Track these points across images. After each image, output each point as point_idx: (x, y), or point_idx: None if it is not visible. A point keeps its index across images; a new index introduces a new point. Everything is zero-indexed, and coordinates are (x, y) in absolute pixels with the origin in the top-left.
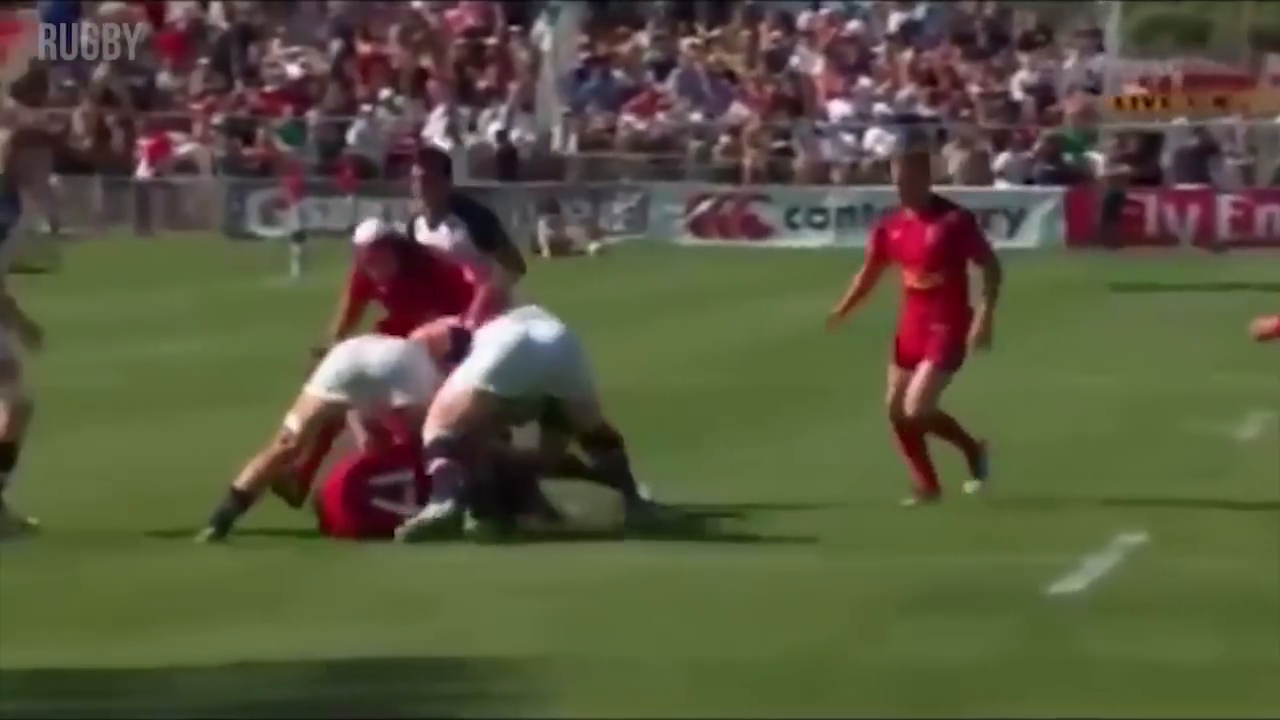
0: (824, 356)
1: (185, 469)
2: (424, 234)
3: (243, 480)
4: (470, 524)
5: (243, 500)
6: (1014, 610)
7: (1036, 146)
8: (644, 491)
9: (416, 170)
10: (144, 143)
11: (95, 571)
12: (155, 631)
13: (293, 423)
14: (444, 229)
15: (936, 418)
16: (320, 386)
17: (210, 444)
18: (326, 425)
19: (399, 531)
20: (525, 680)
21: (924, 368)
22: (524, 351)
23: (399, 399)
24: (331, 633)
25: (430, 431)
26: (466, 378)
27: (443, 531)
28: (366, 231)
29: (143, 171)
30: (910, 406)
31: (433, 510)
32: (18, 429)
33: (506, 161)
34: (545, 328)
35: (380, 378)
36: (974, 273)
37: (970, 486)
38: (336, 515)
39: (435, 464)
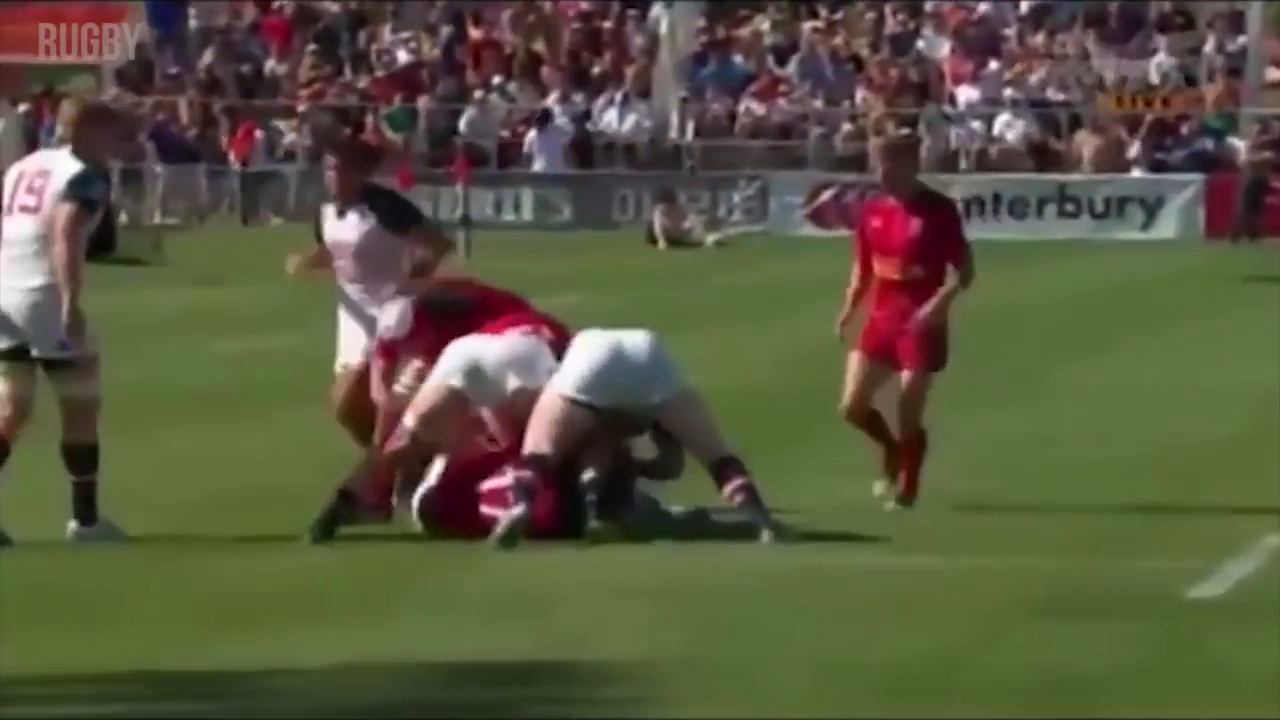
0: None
1: (288, 467)
2: (330, 223)
3: (353, 481)
4: (593, 523)
5: (352, 503)
6: (1148, 615)
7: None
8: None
9: (328, 160)
10: (229, 135)
11: (197, 571)
12: (258, 633)
13: (410, 420)
14: (352, 218)
15: (872, 415)
16: (437, 378)
17: (313, 441)
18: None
19: (492, 539)
20: (642, 683)
21: (908, 376)
22: (614, 360)
23: (514, 382)
24: (440, 634)
25: (530, 444)
26: (558, 387)
27: (515, 536)
28: (397, 321)
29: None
30: (902, 421)
31: (516, 510)
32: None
33: (583, 150)
34: (635, 336)
35: (497, 365)
36: None
37: (880, 488)
38: (444, 522)
39: (522, 475)
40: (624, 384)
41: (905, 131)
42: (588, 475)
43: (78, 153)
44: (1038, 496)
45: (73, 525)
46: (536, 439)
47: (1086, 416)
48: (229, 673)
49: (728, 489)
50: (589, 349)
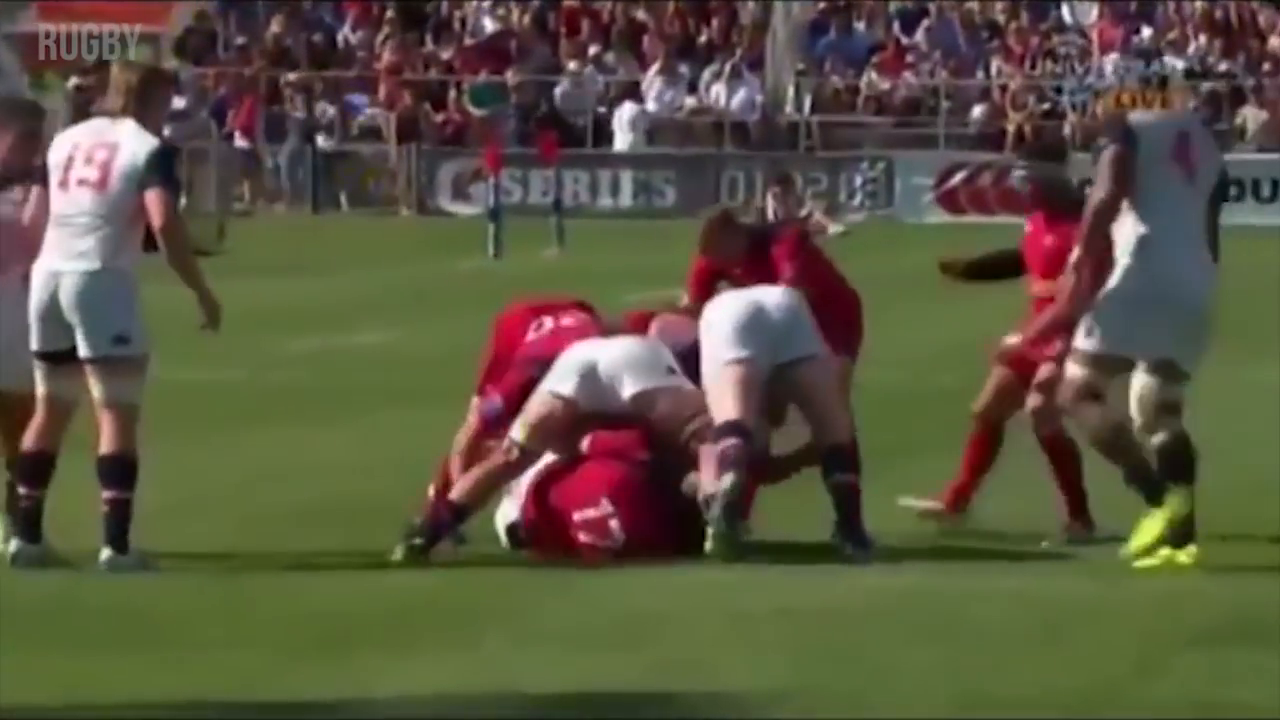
0: None
1: (372, 475)
2: None
3: (459, 492)
4: (713, 542)
5: (459, 515)
6: None
7: None
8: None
9: None
10: (231, 112)
11: (273, 589)
12: (339, 660)
13: (518, 432)
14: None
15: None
16: (548, 386)
17: (399, 448)
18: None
19: (708, 516)
20: (762, 714)
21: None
22: (755, 312)
23: (630, 388)
24: (538, 661)
25: (719, 415)
26: (715, 358)
27: (735, 509)
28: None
29: (322, 140)
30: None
31: (725, 481)
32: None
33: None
34: (772, 291)
35: (611, 370)
36: None
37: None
38: (534, 546)
39: (726, 445)
40: (768, 336)
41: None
42: (726, 481)
43: (145, 123)
44: (1203, 511)
45: (106, 554)
46: (723, 409)
47: (1255, 421)
48: (307, 703)
49: (829, 481)
50: (724, 309)
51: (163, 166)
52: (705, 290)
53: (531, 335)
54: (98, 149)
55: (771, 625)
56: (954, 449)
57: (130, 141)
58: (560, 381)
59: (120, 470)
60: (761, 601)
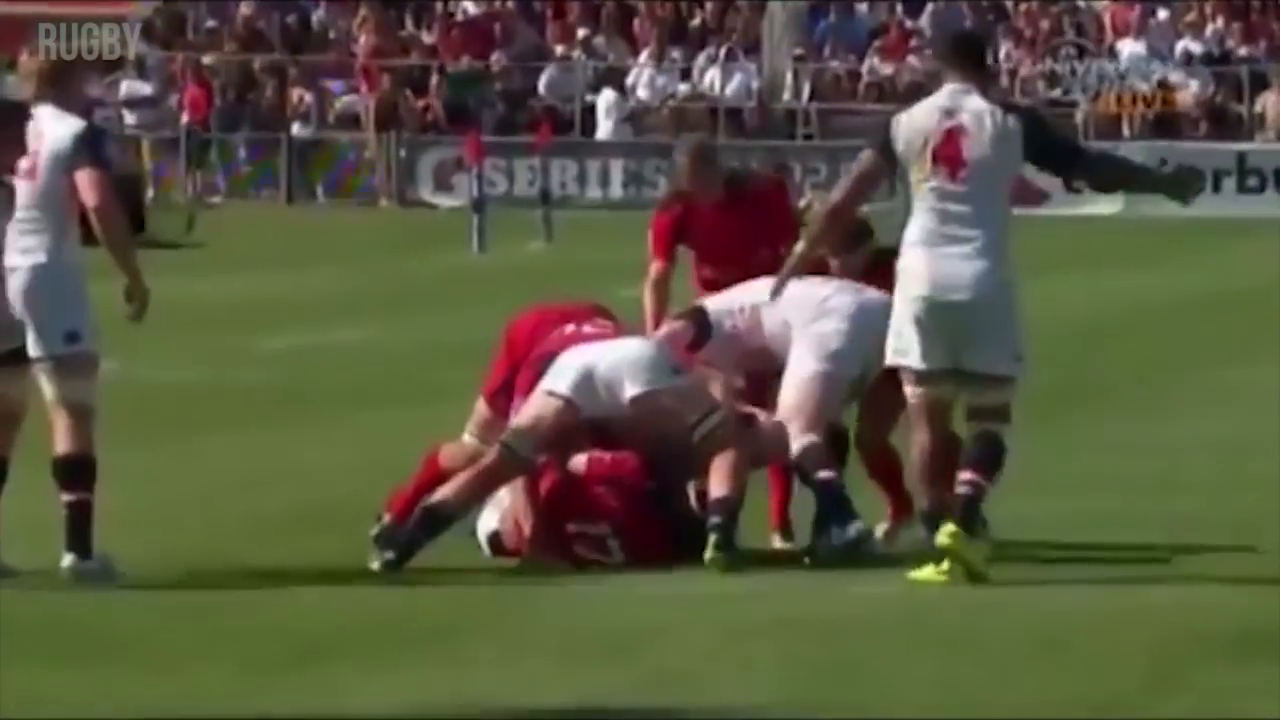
0: (1113, 347)
1: (346, 480)
2: None
3: (442, 497)
4: (711, 553)
5: (436, 522)
6: None
7: None
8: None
9: None
10: (178, 97)
11: (242, 601)
12: (312, 675)
13: (510, 435)
14: None
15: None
16: (545, 385)
17: (374, 451)
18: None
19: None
20: None
21: None
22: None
23: (630, 390)
24: (523, 675)
25: (796, 439)
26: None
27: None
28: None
29: (297, 128)
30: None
31: (851, 532)
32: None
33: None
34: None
35: (611, 372)
36: None
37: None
38: (522, 549)
39: (821, 476)
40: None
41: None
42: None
43: (63, 107)
44: (1217, 516)
45: (68, 559)
46: (798, 430)
47: (1272, 424)
48: (277, 718)
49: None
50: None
51: (90, 146)
52: (669, 249)
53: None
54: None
55: (767, 637)
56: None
57: (52, 126)
58: (558, 381)
59: (78, 471)
60: (757, 613)
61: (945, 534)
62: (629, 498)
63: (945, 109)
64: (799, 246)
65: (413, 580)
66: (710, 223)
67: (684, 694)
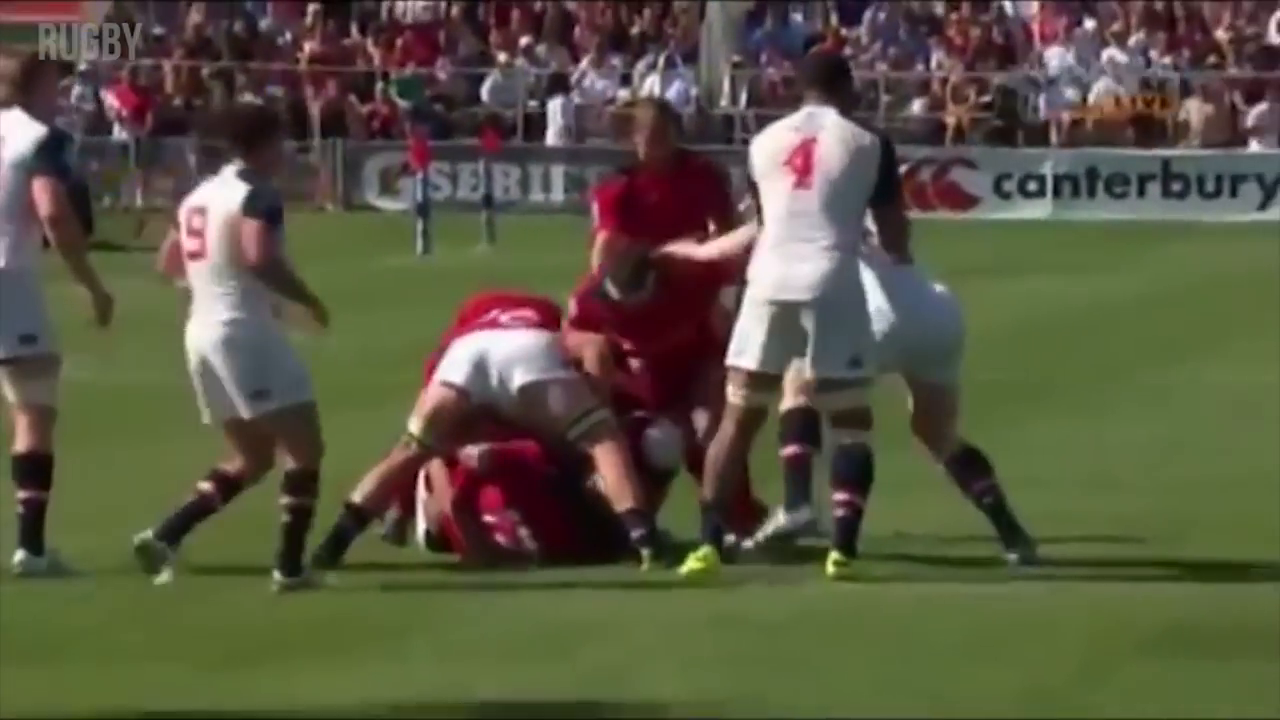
0: (1044, 350)
1: None
2: None
3: (360, 494)
4: (650, 564)
5: (361, 517)
6: (1273, 655)
7: None
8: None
9: None
10: (112, 98)
11: (194, 599)
12: (260, 671)
13: (413, 424)
14: None
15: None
16: (440, 375)
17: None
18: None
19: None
20: None
21: None
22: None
23: (519, 379)
24: (466, 672)
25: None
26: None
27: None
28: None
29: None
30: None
31: (788, 521)
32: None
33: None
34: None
35: (502, 360)
36: None
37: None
38: (458, 546)
39: (790, 450)
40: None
41: None
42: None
43: (32, 112)
44: (1149, 514)
45: (20, 556)
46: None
47: (1200, 423)
48: (228, 714)
49: None
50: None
51: (50, 154)
52: (616, 217)
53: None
54: None
55: (707, 634)
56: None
57: (16, 132)
58: (452, 371)
59: (34, 469)
60: (696, 609)
61: (831, 563)
62: (530, 485)
63: (797, 126)
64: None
65: (358, 579)
66: (653, 196)
67: (623, 689)
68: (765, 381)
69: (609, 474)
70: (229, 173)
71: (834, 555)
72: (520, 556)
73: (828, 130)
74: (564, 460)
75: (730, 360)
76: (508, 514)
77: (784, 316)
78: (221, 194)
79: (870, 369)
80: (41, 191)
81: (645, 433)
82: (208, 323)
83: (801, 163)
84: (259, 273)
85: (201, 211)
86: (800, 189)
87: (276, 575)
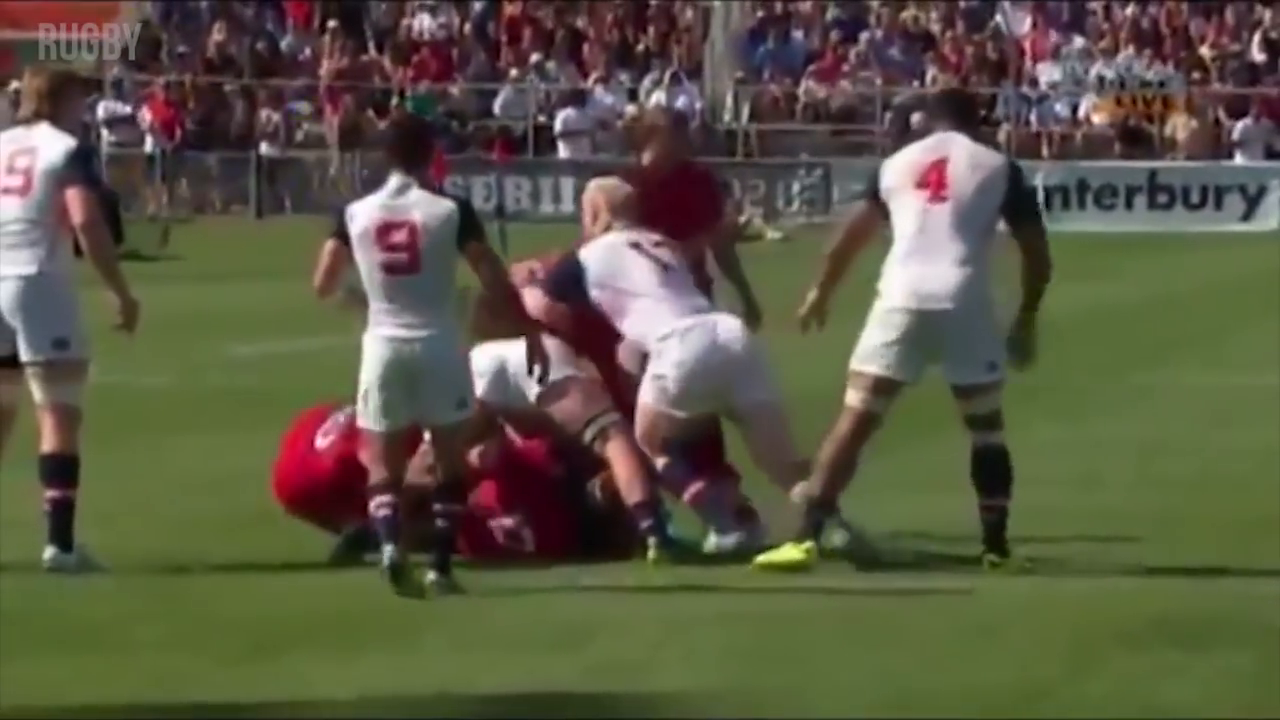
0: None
1: None
2: None
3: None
4: (653, 553)
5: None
6: (1259, 646)
7: None
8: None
9: None
10: (145, 111)
11: (211, 595)
12: (275, 664)
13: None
14: None
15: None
16: None
17: None
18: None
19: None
20: (699, 715)
21: None
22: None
23: (536, 386)
24: (477, 663)
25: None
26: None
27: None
28: None
29: (265, 147)
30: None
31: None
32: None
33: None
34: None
35: (518, 367)
36: None
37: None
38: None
39: (692, 490)
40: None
41: None
42: (636, 497)
43: (60, 125)
44: (1134, 511)
45: (50, 552)
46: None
47: (1183, 425)
48: (243, 705)
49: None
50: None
51: (81, 164)
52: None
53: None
54: (18, 156)
55: (709, 628)
56: (885, 448)
57: (47, 144)
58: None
59: (62, 468)
60: (701, 606)
61: (988, 563)
62: (539, 486)
63: (930, 148)
64: (812, 294)
65: (372, 574)
66: (654, 201)
67: (630, 682)
68: (888, 388)
69: (621, 470)
70: (401, 184)
71: (989, 556)
72: (519, 556)
73: (958, 151)
74: (571, 462)
75: (854, 365)
76: (514, 515)
77: (917, 325)
78: (426, 210)
79: (1005, 371)
80: (74, 200)
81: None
82: (412, 336)
83: (935, 180)
84: (499, 293)
85: (400, 226)
86: (934, 204)
87: (431, 575)
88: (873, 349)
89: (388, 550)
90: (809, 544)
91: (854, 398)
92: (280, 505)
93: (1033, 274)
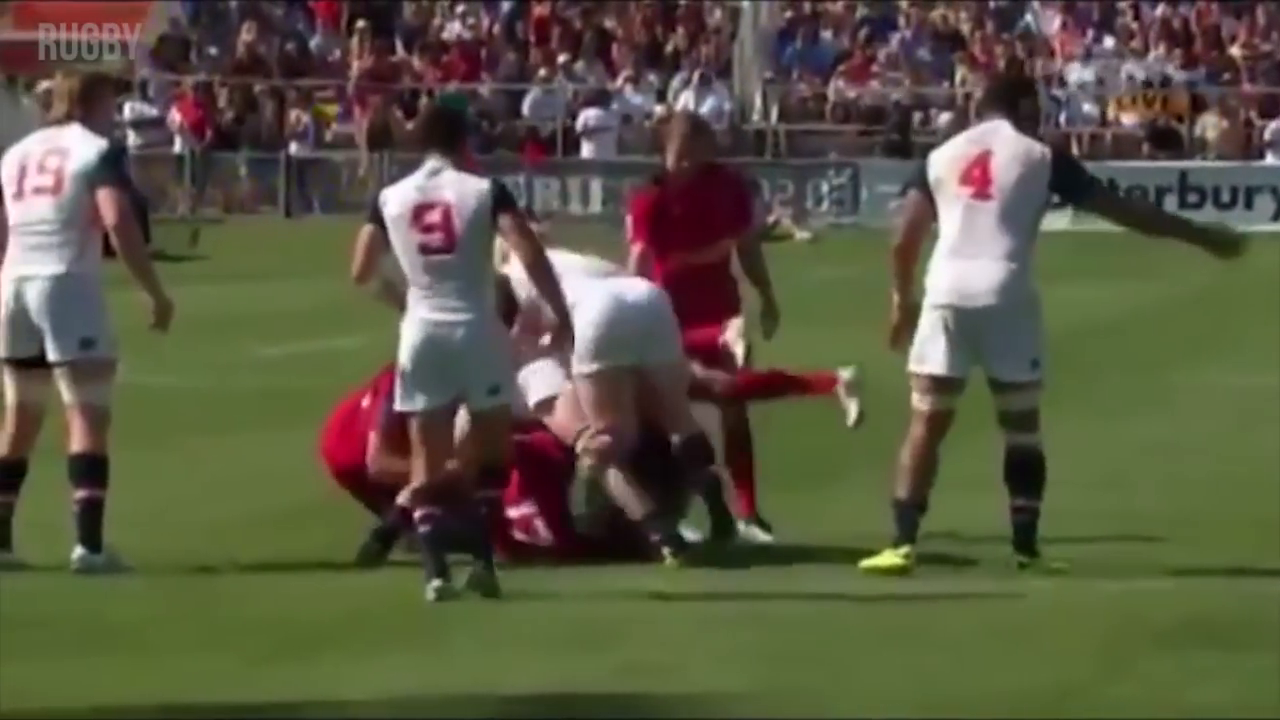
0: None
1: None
2: None
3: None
4: (671, 560)
5: (408, 522)
6: (1275, 646)
7: None
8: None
9: None
10: (175, 112)
11: (240, 595)
12: (305, 663)
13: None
14: None
15: None
16: None
17: None
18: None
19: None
20: (727, 715)
21: None
22: (619, 315)
23: (534, 395)
24: (506, 663)
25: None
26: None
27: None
28: None
29: (295, 147)
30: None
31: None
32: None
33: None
34: (633, 286)
35: (521, 377)
36: None
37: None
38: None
39: (602, 440)
40: (633, 339)
41: None
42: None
43: (91, 127)
44: (1163, 512)
45: (79, 552)
46: (595, 419)
47: (1213, 425)
48: (274, 704)
49: (695, 476)
50: (587, 312)
51: (112, 166)
52: (650, 228)
53: None
54: (49, 156)
55: (738, 629)
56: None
57: (79, 145)
58: None
59: (91, 468)
60: (727, 607)
61: (1018, 563)
62: (547, 475)
63: (975, 139)
64: (894, 300)
65: (401, 574)
66: (681, 206)
67: (658, 683)
68: (949, 386)
69: (617, 491)
70: (435, 167)
71: (1019, 557)
72: (536, 551)
73: (1001, 144)
74: (573, 452)
75: (910, 366)
76: (526, 504)
77: (961, 321)
78: (458, 189)
79: (1045, 371)
80: (106, 201)
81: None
82: (449, 319)
83: (979, 175)
84: (534, 267)
85: (434, 206)
86: (978, 200)
87: (479, 564)
88: (924, 349)
89: (434, 585)
90: (906, 548)
91: (918, 400)
92: (329, 473)
93: (1147, 226)
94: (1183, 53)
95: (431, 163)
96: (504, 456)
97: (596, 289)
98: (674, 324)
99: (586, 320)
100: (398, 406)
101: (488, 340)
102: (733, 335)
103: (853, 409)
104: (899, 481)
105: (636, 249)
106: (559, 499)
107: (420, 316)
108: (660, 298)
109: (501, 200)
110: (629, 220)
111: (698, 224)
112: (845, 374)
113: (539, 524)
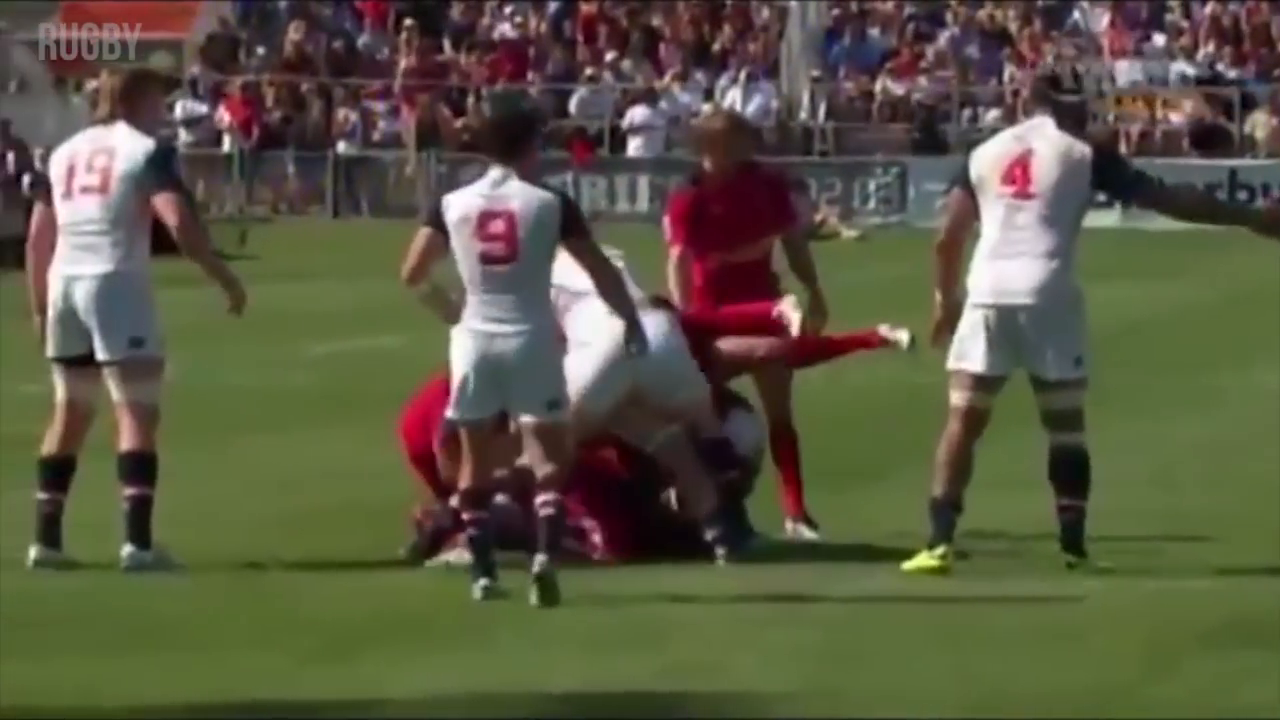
0: (1112, 354)
1: (390, 478)
2: None
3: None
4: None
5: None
6: None
7: None
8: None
9: None
10: (223, 110)
11: (288, 593)
12: (353, 661)
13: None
14: None
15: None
16: None
17: None
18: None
19: None
20: (773, 715)
21: None
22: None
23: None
24: (551, 662)
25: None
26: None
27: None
28: None
29: (343, 146)
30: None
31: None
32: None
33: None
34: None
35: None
36: None
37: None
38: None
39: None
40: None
41: None
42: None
43: (136, 125)
44: (1209, 512)
45: (128, 549)
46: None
47: (1261, 425)
48: (322, 703)
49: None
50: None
51: (164, 167)
52: (688, 229)
53: None
54: (97, 155)
55: (783, 629)
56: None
57: (126, 145)
58: None
59: (140, 466)
60: (774, 607)
61: (1066, 563)
62: (607, 491)
63: (1019, 136)
64: (937, 299)
65: (446, 573)
66: (720, 206)
67: (705, 682)
68: (989, 384)
69: (686, 480)
70: (501, 175)
71: (1066, 557)
72: (586, 559)
73: (1043, 142)
74: (642, 469)
75: (950, 364)
76: (584, 518)
77: (1002, 320)
78: (523, 199)
79: (1089, 368)
80: (165, 205)
81: (723, 425)
82: (506, 330)
83: (1021, 174)
84: (604, 283)
85: (498, 215)
86: (1019, 199)
87: (540, 557)
88: (964, 346)
89: (481, 584)
90: (943, 548)
91: (956, 396)
92: (405, 456)
93: (1200, 215)
94: (1232, 50)
95: (497, 170)
96: (569, 466)
97: (606, 334)
98: (685, 363)
99: (592, 367)
100: (449, 414)
101: (544, 353)
102: (788, 305)
103: (904, 335)
104: (935, 478)
105: (675, 251)
106: (624, 516)
107: (474, 328)
108: (669, 340)
109: (572, 221)
110: (666, 221)
111: (737, 223)
112: (884, 327)
113: (596, 539)
